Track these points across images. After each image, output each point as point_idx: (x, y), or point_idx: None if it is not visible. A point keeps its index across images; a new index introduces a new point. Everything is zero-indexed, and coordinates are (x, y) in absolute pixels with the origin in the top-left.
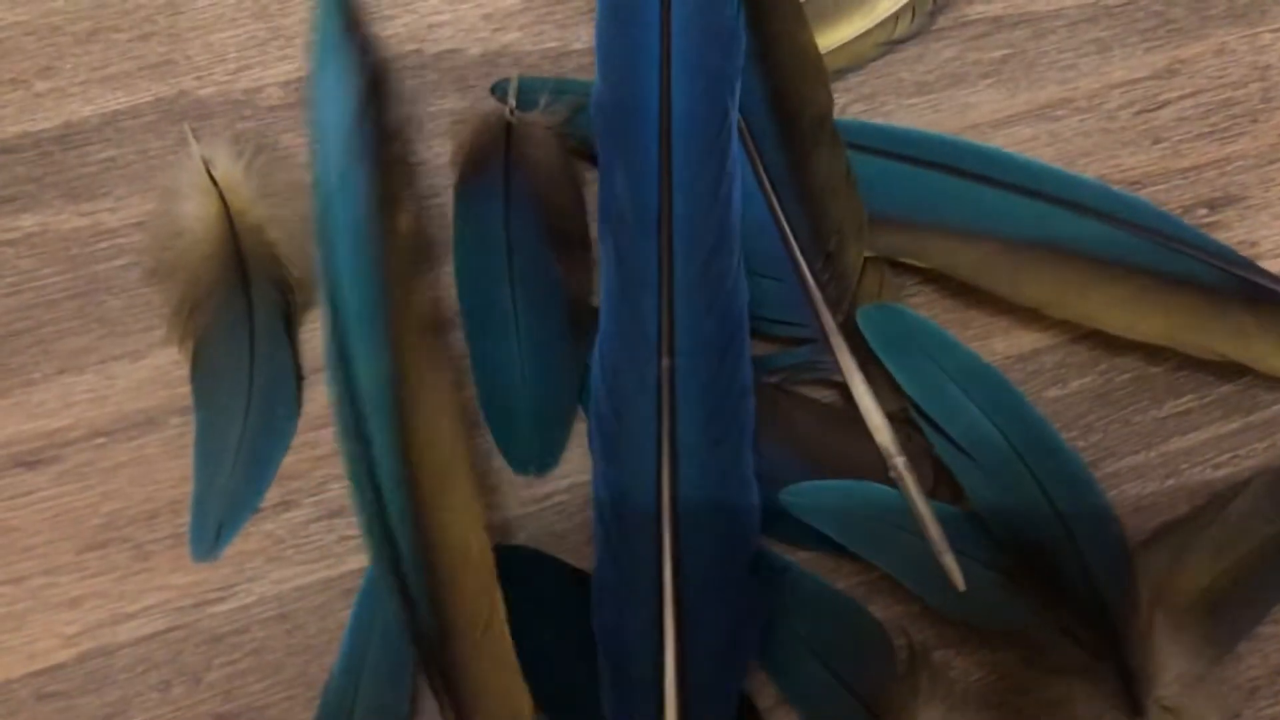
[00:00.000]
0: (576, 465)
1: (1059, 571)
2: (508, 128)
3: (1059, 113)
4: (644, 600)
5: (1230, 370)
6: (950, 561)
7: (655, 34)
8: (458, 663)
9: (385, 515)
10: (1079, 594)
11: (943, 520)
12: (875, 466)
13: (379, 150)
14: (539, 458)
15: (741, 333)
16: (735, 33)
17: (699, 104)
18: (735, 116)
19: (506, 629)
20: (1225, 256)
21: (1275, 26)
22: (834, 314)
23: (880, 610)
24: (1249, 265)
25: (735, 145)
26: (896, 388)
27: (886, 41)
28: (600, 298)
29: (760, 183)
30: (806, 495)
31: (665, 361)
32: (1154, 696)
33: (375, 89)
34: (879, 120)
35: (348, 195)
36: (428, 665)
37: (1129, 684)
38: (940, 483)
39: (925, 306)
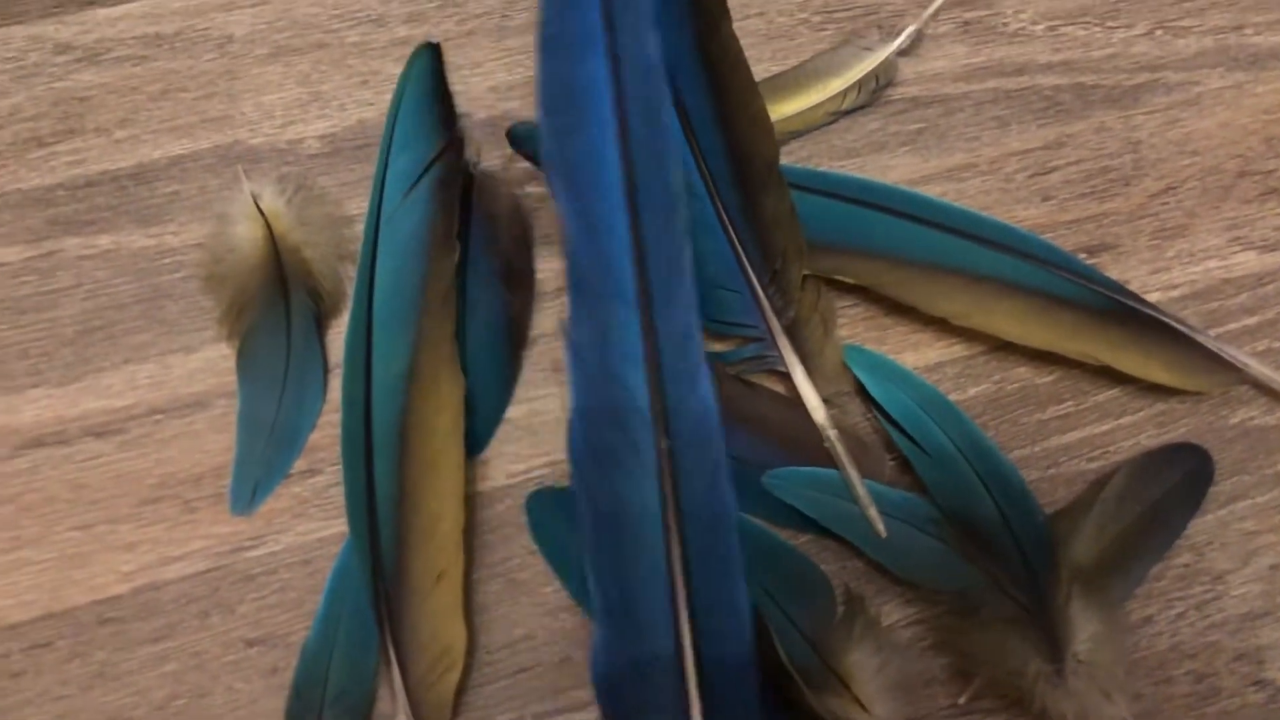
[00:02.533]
0: (556, 444)
1: (993, 541)
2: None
3: (965, 175)
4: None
5: (1104, 382)
6: (874, 513)
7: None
8: (407, 604)
9: (372, 482)
10: (1010, 559)
11: (901, 503)
12: (816, 438)
13: (438, 194)
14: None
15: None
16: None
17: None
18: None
19: (460, 583)
20: (1103, 283)
21: (1145, 110)
22: (780, 319)
23: (831, 568)
24: (1123, 290)
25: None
26: (868, 399)
27: (835, 112)
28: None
29: (719, 216)
30: (785, 479)
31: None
32: (1071, 650)
33: (448, 146)
34: None
35: (400, 225)
36: (376, 604)
37: (1051, 637)
38: (901, 473)
39: (850, 324)
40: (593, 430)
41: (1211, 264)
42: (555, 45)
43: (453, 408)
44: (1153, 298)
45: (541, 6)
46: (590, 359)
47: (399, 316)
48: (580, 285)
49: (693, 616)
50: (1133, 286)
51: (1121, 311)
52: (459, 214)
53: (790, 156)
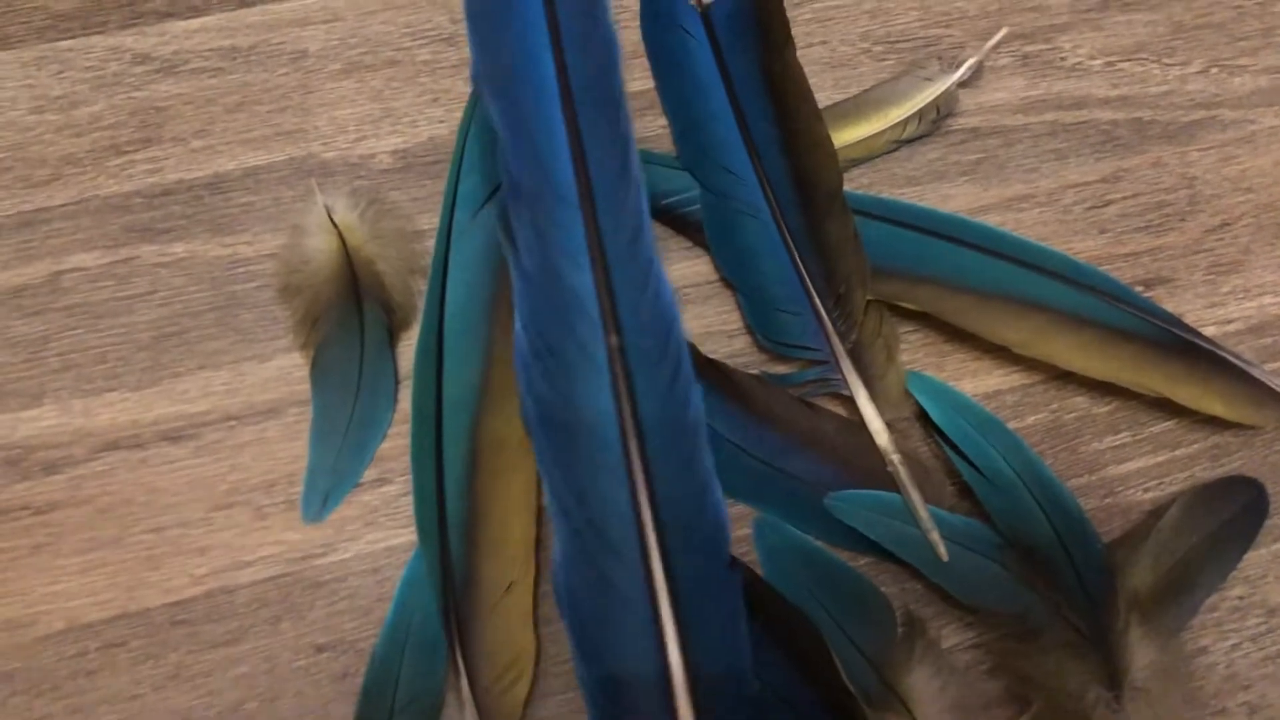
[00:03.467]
0: None
1: (1052, 567)
2: None
3: (1023, 205)
4: (636, 602)
5: (1160, 413)
6: (935, 537)
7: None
8: (476, 613)
9: (443, 492)
10: (1069, 586)
11: (962, 528)
12: (878, 461)
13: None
14: None
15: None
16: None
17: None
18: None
19: (530, 593)
20: (1161, 316)
21: (1201, 146)
22: (843, 342)
23: (891, 590)
24: (1181, 324)
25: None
26: (929, 424)
27: (896, 141)
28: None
29: (785, 241)
30: (846, 501)
31: (613, 339)
32: (1129, 678)
33: None
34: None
35: (471, 243)
36: (446, 613)
37: (1110, 664)
38: (961, 498)
39: (911, 350)
40: (538, 337)
41: (1267, 300)
42: None
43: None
44: (1208, 332)
45: None
46: (531, 263)
47: (470, 331)
48: (516, 190)
49: (659, 527)
50: (1188, 320)
51: (1178, 344)
52: None
53: (852, 183)
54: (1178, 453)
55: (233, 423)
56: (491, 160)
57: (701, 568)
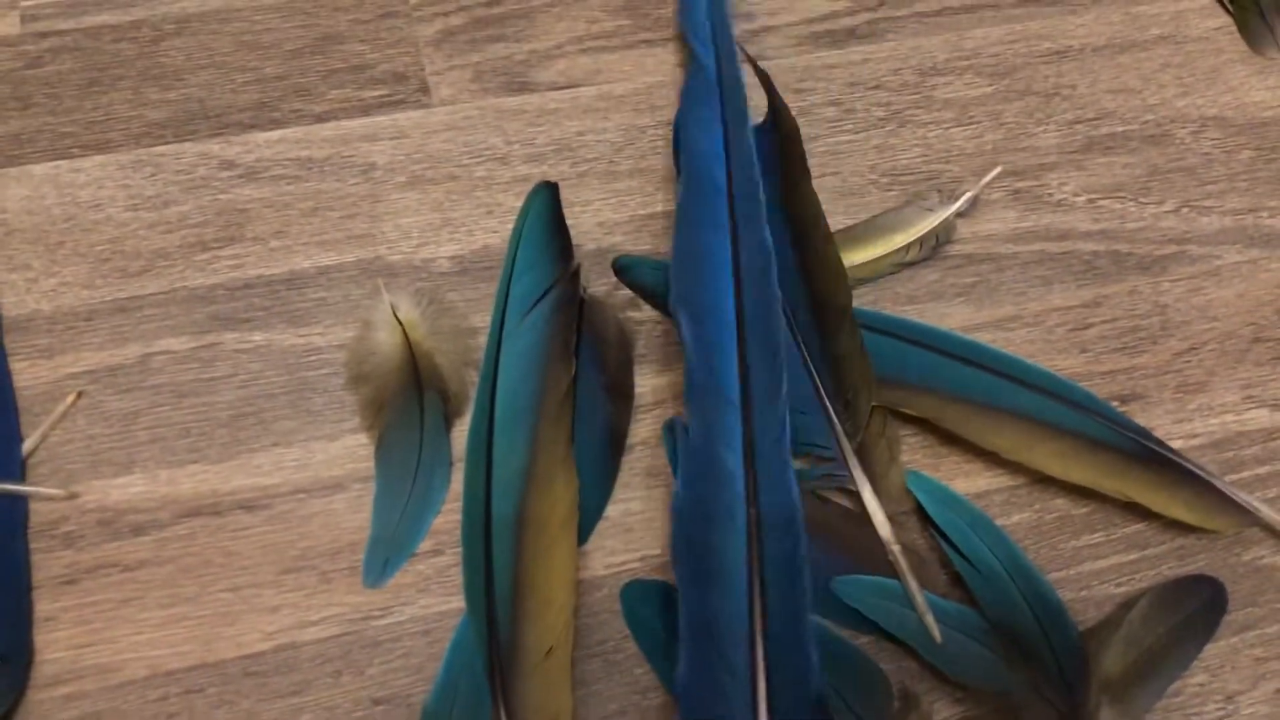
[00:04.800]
0: (649, 541)
1: (1033, 651)
2: (581, 301)
3: (1012, 325)
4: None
5: (1131, 516)
6: (930, 620)
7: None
8: (519, 674)
9: (491, 565)
10: (1048, 668)
11: (954, 613)
12: (880, 550)
13: (555, 316)
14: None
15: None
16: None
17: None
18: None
19: (569, 658)
20: (1134, 429)
21: (1172, 278)
22: (850, 443)
23: (889, 666)
24: (1151, 437)
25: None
26: (925, 518)
27: (899, 263)
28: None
29: (800, 352)
30: (851, 585)
31: (752, 510)
32: None
33: (565, 275)
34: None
35: (520, 341)
36: (491, 674)
37: None
38: (953, 586)
39: (910, 451)
40: (693, 495)
41: (1228, 418)
42: (689, 220)
43: (567, 503)
44: (1176, 444)
45: (677, 190)
46: (696, 441)
47: (518, 420)
48: (692, 387)
49: (767, 655)
50: (1158, 433)
51: (1149, 455)
52: (573, 334)
53: (860, 300)
54: (1147, 552)
55: (302, 495)
56: (539, 269)
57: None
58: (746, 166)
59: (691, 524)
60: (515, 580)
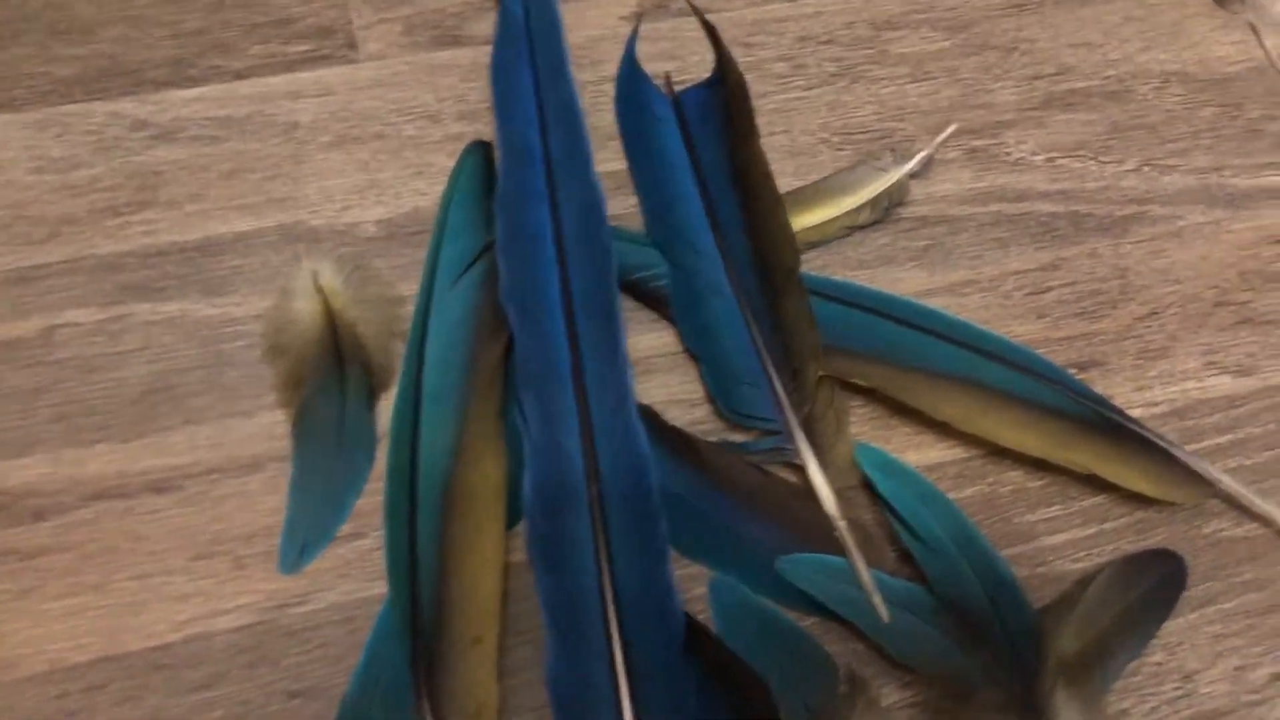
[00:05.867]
0: None
1: (986, 631)
2: None
3: (967, 290)
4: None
5: (1089, 489)
6: (877, 599)
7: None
8: (444, 664)
9: (415, 548)
10: (1000, 649)
11: (903, 592)
12: (826, 527)
13: (487, 283)
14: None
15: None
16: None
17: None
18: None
19: (495, 646)
20: (1092, 398)
21: (1133, 240)
22: (797, 415)
23: (836, 649)
24: (1110, 406)
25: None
26: (874, 493)
27: (850, 226)
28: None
29: (745, 318)
30: (796, 564)
31: (593, 488)
32: None
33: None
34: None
35: (450, 309)
36: (414, 663)
37: None
38: (903, 564)
39: (859, 423)
40: (541, 494)
41: (1189, 385)
42: (508, 200)
43: (495, 481)
44: (1135, 413)
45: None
46: (537, 433)
47: (446, 394)
48: (526, 375)
49: (621, 620)
50: (1118, 401)
51: (1107, 425)
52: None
53: (808, 265)
54: (1105, 526)
55: (216, 476)
56: (471, 233)
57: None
58: (565, 123)
59: (540, 516)
60: (440, 564)
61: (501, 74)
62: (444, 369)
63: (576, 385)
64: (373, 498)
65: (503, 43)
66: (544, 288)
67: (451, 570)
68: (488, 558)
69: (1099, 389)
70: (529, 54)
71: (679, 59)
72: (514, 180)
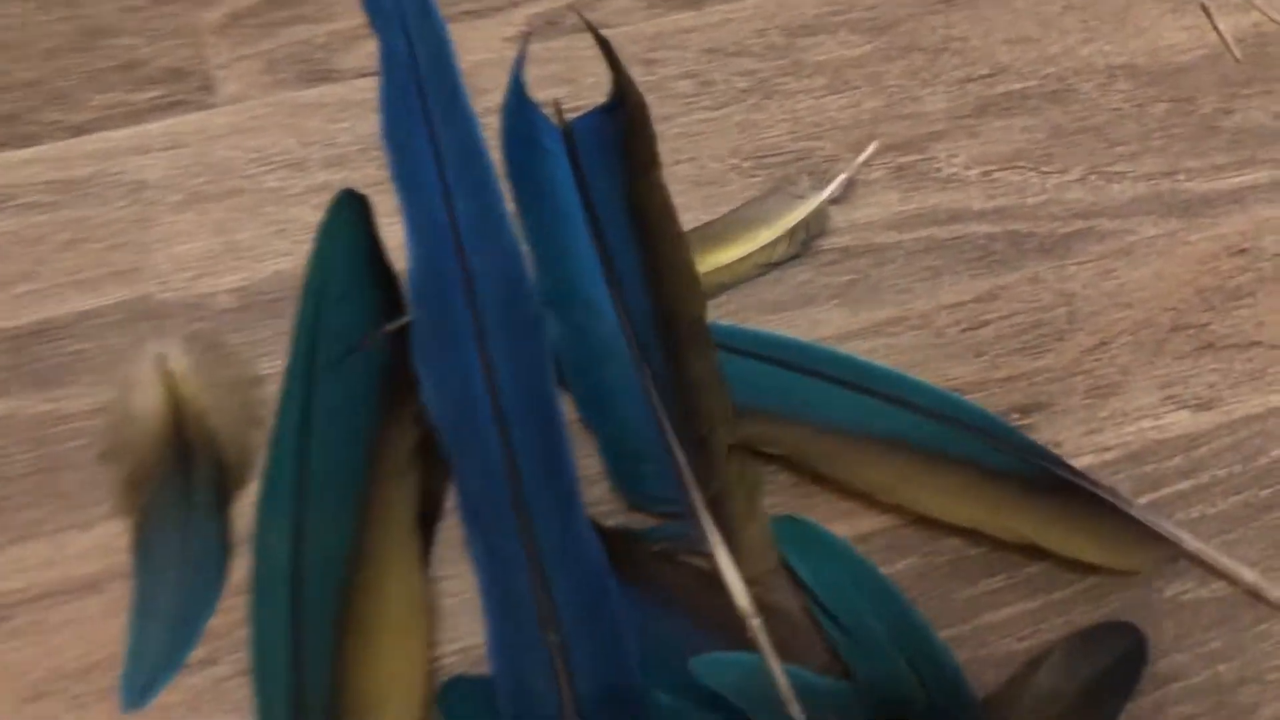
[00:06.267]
0: (468, 628)
1: None
2: None
3: (895, 329)
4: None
5: (1035, 554)
6: (796, 710)
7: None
8: None
9: (302, 675)
10: None
11: (830, 693)
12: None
13: (385, 354)
14: None
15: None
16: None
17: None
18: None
19: None
20: (1034, 451)
21: (1079, 260)
22: (704, 492)
23: None
24: (1053, 459)
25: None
26: (794, 579)
27: (765, 264)
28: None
29: (644, 382)
30: (710, 665)
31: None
32: None
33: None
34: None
35: (339, 387)
36: None
37: None
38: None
39: (778, 491)
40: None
41: (1145, 424)
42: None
43: (410, 594)
44: (1085, 461)
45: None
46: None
47: (339, 488)
48: (471, 515)
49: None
50: (1066, 449)
51: (1051, 483)
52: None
53: (719, 310)
54: (1054, 595)
55: (49, 601)
56: (354, 299)
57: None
58: (472, 182)
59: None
60: (337, 697)
61: (393, 129)
62: (335, 457)
63: (520, 518)
64: (228, 616)
65: (389, 89)
66: (471, 400)
67: (352, 700)
68: (402, 681)
69: (1044, 435)
70: (420, 99)
71: (573, 82)
72: (422, 259)
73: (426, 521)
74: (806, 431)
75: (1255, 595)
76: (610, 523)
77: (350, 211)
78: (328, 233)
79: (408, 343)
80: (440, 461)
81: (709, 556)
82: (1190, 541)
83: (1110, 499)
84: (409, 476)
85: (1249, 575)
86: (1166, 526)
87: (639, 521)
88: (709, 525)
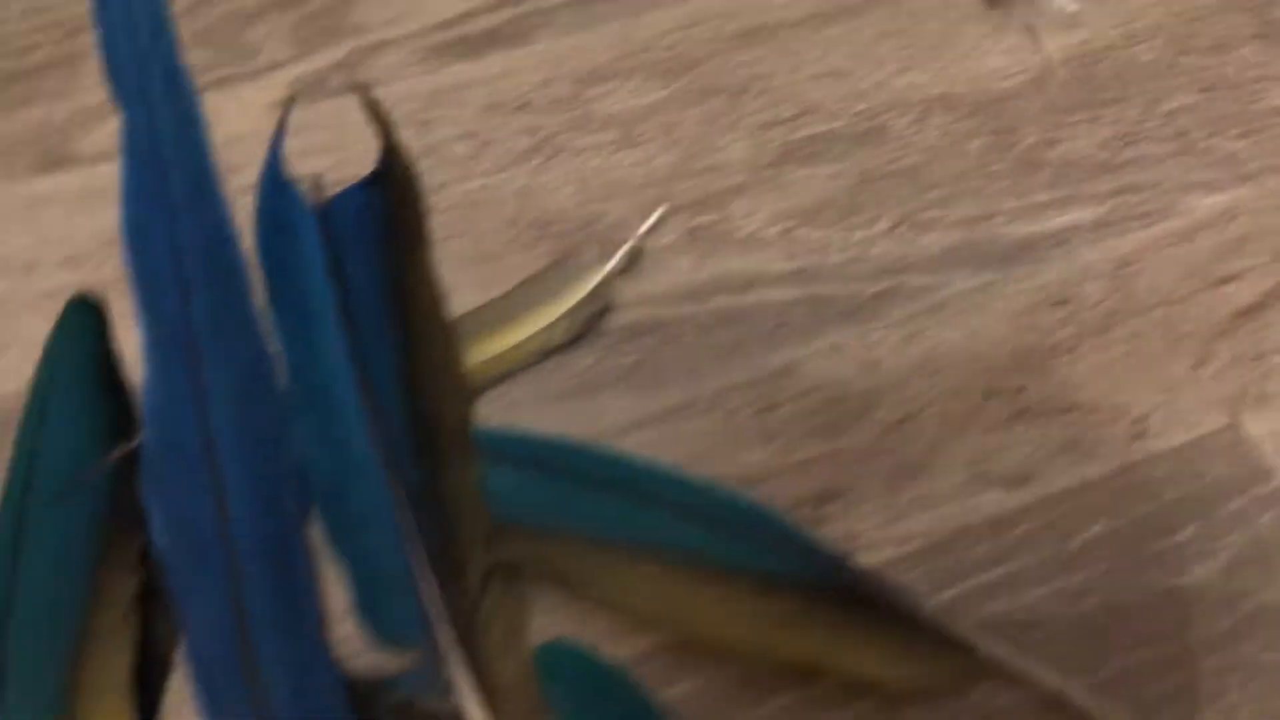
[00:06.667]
0: None
1: None
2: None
3: (684, 415)
4: None
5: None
6: None
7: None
8: None
9: None
10: None
11: None
12: None
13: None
14: None
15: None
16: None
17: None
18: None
19: None
20: (821, 556)
21: (884, 323)
22: (456, 628)
23: None
24: (841, 563)
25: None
26: None
27: (544, 349)
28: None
29: (395, 504)
30: None
31: None
32: None
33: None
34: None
35: (55, 532)
36: None
37: None
38: None
39: (550, 611)
40: None
41: (951, 510)
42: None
43: None
44: (885, 554)
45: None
46: None
47: (50, 644)
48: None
49: None
50: (863, 541)
51: (839, 588)
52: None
53: (492, 405)
54: (855, 708)
55: None
56: (80, 425)
57: None
58: (213, 272)
59: None
60: None
61: (131, 219)
62: (41, 611)
63: (246, 673)
64: None
65: (130, 172)
66: (201, 534)
67: None
68: None
69: (840, 527)
70: (162, 182)
71: (339, 151)
72: (155, 371)
73: (153, 677)
74: (574, 548)
75: (1061, 701)
76: (361, 662)
77: (81, 319)
78: (55, 345)
79: (127, 490)
80: (169, 608)
81: (457, 704)
82: (989, 647)
83: (903, 603)
84: (127, 632)
85: (1052, 680)
86: (962, 631)
87: (392, 660)
88: (459, 666)
